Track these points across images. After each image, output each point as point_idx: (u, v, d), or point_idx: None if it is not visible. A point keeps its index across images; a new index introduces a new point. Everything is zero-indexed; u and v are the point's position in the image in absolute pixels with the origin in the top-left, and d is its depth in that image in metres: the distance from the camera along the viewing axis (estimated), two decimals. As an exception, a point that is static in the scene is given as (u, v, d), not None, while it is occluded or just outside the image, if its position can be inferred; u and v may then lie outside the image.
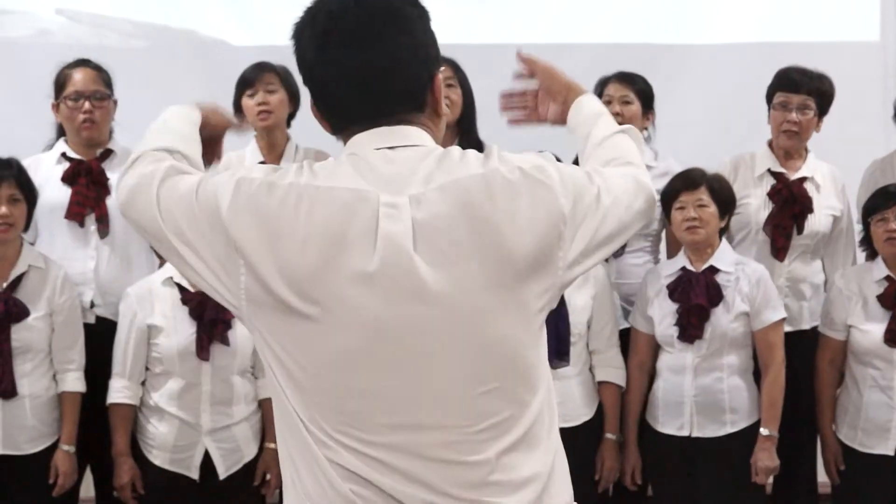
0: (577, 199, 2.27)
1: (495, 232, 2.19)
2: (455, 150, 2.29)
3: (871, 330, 5.12)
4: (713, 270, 5.06)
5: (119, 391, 4.96)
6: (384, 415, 2.18)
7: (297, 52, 2.34)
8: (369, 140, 2.28)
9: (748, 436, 5.06)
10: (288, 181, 2.22)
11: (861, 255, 5.42)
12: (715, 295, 5.03)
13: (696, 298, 5.01)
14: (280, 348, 2.21)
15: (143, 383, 4.98)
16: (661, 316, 5.09)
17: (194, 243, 2.26)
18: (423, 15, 2.34)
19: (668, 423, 5.09)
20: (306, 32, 2.32)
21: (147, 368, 4.96)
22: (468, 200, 2.20)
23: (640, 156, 2.55)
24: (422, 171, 2.23)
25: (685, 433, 5.06)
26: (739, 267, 5.09)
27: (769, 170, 5.41)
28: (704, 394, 5.03)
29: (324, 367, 2.19)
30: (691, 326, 5.01)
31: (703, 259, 5.08)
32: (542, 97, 2.76)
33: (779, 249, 5.35)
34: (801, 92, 5.33)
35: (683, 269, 5.10)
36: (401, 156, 2.25)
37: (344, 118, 2.32)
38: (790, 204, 5.36)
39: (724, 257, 5.09)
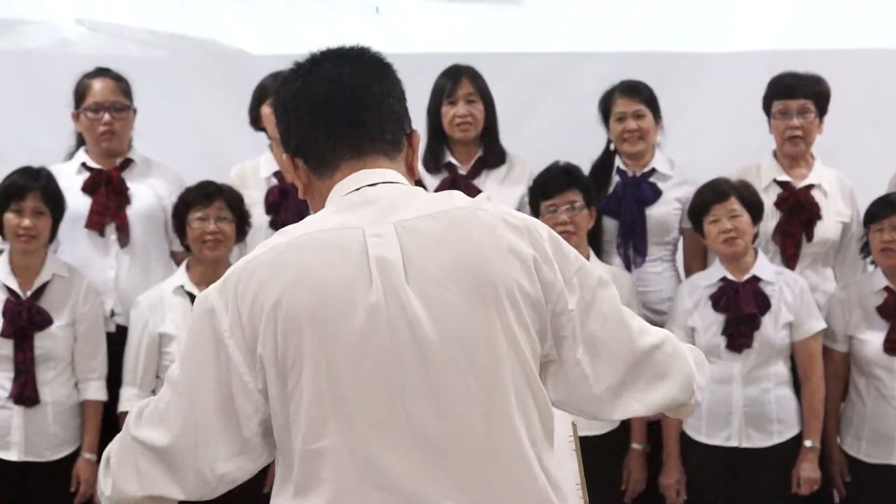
0: (567, 265, 2.27)
1: (479, 258, 2.19)
2: (436, 194, 2.33)
3: (871, 340, 5.10)
4: (756, 280, 5.05)
5: (130, 399, 4.96)
6: (393, 445, 2.16)
7: (279, 97, 2.37)
8: (348, 184, 2.29)
9: (793, 447, 5.05)
10: (263, 251, 2.24)
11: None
12: (763, 304, 5.01)
13: (747, 307, 4.98)
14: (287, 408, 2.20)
15: (153, 391, 4.98)
16: (706, 325, 5.05)
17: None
18: (401, 87, 2.39)
19: (714, 434, 5.05)
20: (292, 76, 2.36)
21: (158, 377, 4.97)
22: (453, 227, 2.21)
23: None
24: (404, 204, 2.24)
25: (733, 444, 5.03)
26: (781, 277, 5.07)
27: (775, 179, 5.37)
28: (753, 404, 5.00)
29: (338, 403, 2.17)
30: (740, 335, 4.97)
31: (744, 269, 5.05)
32: None
33: (789, 258, 5.30)
34: (799, 96, 5.32)
35: (725, 279, 5.06)
36: (382, 191, 2.26)
37: (326, 149, 2.31)
38: (798, 212, 5.31)
39: (764, 267, 5.07)
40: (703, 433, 5.07)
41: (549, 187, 5.01)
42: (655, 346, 2.35)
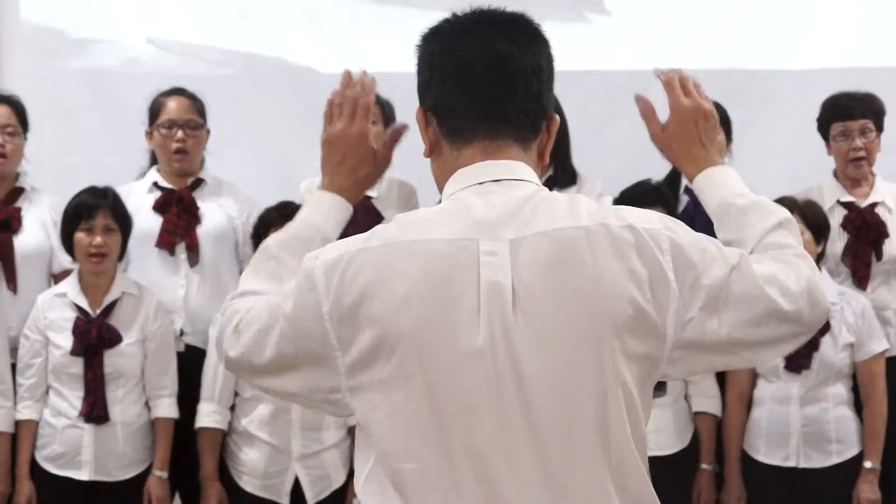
0: (689, 271, 2.18)
1: (589, 287, 2.12)
2: (562, 195, 2.23)
3: None
4: None
5: (208, 415, 4.99)
6: (483, 485, 2.11)
7: (427, 47, 2.31)
8: (473, 174, 2.23)
9: (852, 467, 5.01)
10: (376, 243, 2.18)
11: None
12: (823, 325, 4.95)
13: None
14: (383, 424, 2.15)
15: (231, 408, 5.01)
16: None
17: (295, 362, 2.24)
18: (553, 63, 2.34)
19: (773, 454, 5.03)
20: (445, 28, 2.30)
21: (237, 393, 4.98)
22: (568, 251, 2.13)
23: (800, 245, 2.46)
24: (524, 212, 2.17)
25: (791, 464, 5.00)
26: (843, 297, 5.03)
27: (839, 200, 5.36)
28: (812, 424, 4.97)
29: (435, 429, 2.12)
30: (799, 356, 4.91)
31: None
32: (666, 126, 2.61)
33: (860, 279, 5.29)
34: (858, 117, 5.33)
35: None
36: (505, 192, 2.19)
37: (463, 119, 2.25)
38: (865, 232, 5.31)
39: (825, 288, 5.01)
40: (762, 452, 5.05)
41: (638, 202, 5.00)
42: (796, 303, 2.47)
